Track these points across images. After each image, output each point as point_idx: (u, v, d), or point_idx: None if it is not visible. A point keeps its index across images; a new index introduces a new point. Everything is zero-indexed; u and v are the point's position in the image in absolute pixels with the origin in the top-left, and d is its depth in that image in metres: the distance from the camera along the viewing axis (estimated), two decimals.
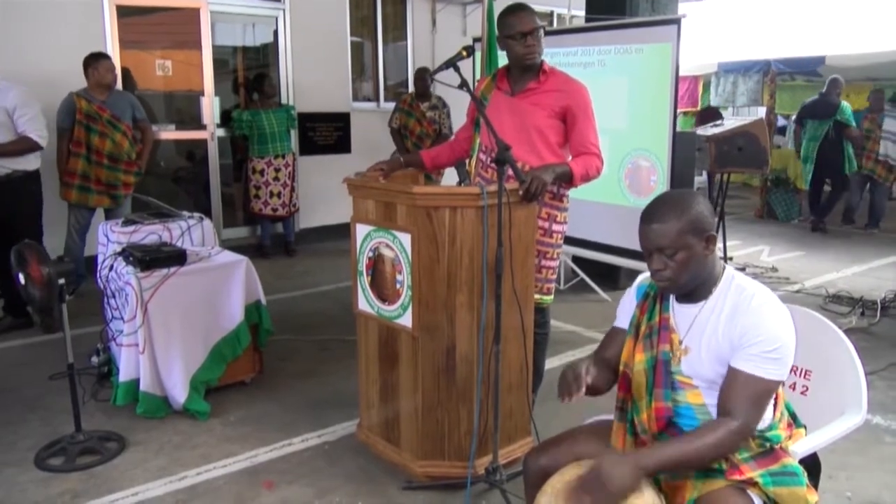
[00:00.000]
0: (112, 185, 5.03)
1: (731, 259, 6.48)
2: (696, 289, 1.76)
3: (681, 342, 1.77)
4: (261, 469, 2.93)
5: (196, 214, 4.11)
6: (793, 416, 1.88)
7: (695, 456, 1.63)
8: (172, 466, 2.93)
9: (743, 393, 1.64)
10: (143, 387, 3.29)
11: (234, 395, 3.59)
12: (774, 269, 6.24)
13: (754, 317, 1.66)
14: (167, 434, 3.21)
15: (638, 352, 1.83)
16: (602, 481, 1.58)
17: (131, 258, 3.40)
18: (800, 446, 1.81)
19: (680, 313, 1.80)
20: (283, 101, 6.97)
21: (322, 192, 7.07)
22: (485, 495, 2.69)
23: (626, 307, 1.94)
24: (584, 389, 1.72)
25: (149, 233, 3.81)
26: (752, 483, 1.65)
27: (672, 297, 1.83)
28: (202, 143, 6.74)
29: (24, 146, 4.30)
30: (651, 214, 1.72)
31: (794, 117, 9.75)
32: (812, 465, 1.89)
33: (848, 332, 2.09)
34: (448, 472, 2.73)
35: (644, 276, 1.95)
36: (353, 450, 3.05)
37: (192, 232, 3.96)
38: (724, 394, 1.68)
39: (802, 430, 1.88)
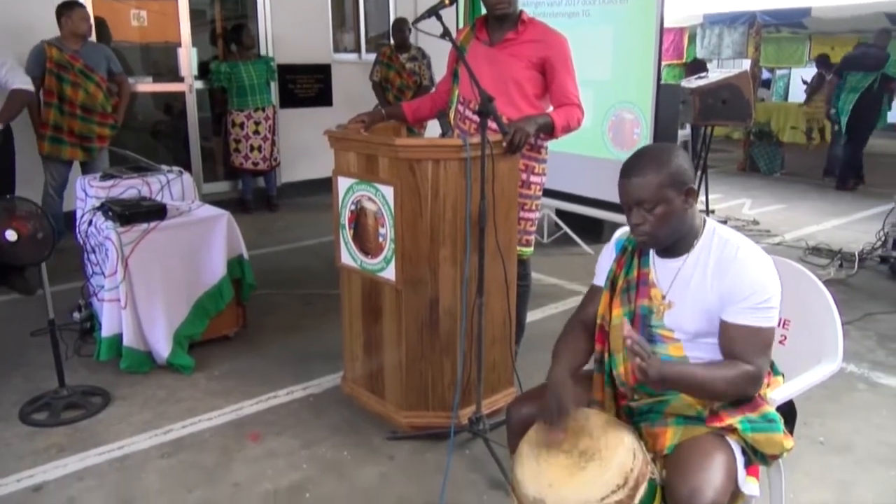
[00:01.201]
0: (86, 138, 4.92)
1: (713, 212, 6.52)
2: (676, 243, 1.76)
3: (664, 297, 1.78)
4: (246, 422, 2.95)
5: (175, 168, 4.05)
6: (771, 364, 1.91)
7: (709, 385, 1.66)
8: (157, 420, 2.94)
9: (748, 344, 1.67)
10: (126, 342, 3.28)
11: (218, 350, 3.60)
12: (756, 222, 6.29)
13: (742, 269, 1.67)
14: (151, 388, 3.21)
15: (615, 306, 1.84)
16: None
17: (110, 213, 3.36)
18: (777, 394, 1.84)
19: (661, 267, 1.81)
20: (262, 52, 6.83)
21: (303, 145, 6.98)
22: (468, 444, 2.73)
23: (604, 263, 1.94)
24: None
25: (128, 187, 3.76)
26: (731, 429, 1.69)
27: (652, 252, 1.83)
28: (180, 96, 6.60)
29: (20, 99, 4.18)
30: (630, 168, 1.71)
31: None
32: (788, 411, 1.93)
33: (826, 283, 2.11)
34: (432, 422, 2.77)
35: (622, 231, 1.95)
36: (338, 402, 3.08)
37: (172, 186, 3.90)
38: (729, 349, 1.70)
39: (780, 378, 1.92)
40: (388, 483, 2.53)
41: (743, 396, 1.71)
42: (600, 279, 1.93)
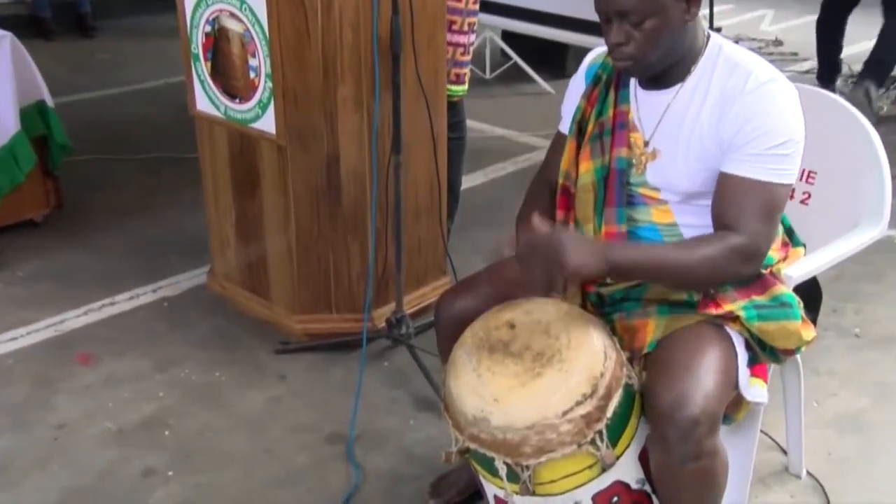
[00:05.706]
0: None
1: (719, 30, 6.58)
2: (668, 69, 1.76)
3: (647, 143, 1.81)
4: (72, 339, 2.95)
5: None
6: (788, 231, 1.98)
7: (679, 267, 1.68)
8: None
9: (745, 204, 1.68)
10: None
11: (21, 241, 3.55)
12: (779, 42, 6.40)
13: (753, 102, 1.68)
14: None
15: (584, 159, 1.86)
16: (554, 252, 1.61)
17: None
18: (795, 270, 1.91)
19: (645, 104, 1.83)
20: None
21: None
22: (387, 354, 2.82)
23: (572, 99, 1.96)
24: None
25: None
26: (732, 318, 1.75)
27: (634, 83, 1.84)
28: None
29: None
30: None
31: None
32: (810, 293, 2.01)
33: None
34: (337, 327, 2.83)
35: (596, 53, 1.95)
36: (204, 306, 3.11)
37: None
38: (720, 208, 1.71)
39: (801, 250, 1.99)
40: (279, 410, 2.61)
41: (734, 279, 1.75)
42: (567, 124, 1.95)
